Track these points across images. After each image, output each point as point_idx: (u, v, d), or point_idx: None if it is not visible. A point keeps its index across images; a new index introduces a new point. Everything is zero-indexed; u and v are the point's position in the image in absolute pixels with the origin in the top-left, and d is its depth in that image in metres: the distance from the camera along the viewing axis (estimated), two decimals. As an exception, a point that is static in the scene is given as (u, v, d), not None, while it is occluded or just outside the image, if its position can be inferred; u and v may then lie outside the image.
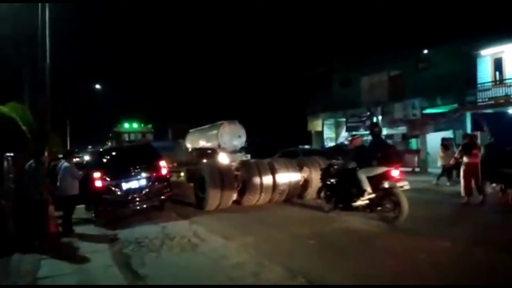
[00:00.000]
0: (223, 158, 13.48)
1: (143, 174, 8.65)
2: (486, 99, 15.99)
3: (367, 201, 6.99)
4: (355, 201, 7.15)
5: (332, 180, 8.04)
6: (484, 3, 18.12)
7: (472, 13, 17.90)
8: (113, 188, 8.26)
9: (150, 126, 23.23)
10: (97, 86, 29.26)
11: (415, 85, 16.98)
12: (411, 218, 6.50)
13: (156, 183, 8.70)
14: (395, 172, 6.83)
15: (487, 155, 8.55)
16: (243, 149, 19.49)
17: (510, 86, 15.58)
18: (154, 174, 8.76)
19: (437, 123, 16.80)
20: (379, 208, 6.89)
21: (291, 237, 6.29)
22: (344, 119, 21.80)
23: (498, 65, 16.48)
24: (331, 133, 24.10)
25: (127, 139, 21.76)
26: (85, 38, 47.59)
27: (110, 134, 23.37)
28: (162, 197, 8.82)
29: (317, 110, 23.70)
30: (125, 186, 8.34)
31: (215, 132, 22.23)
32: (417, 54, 17.41)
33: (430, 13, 19.09)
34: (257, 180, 9.14)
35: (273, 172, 9.44)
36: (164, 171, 9.01)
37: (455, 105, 16.47)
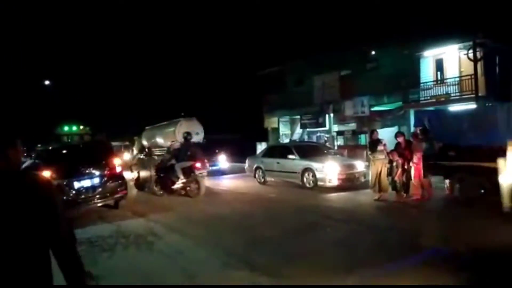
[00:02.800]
0: (126, 156, 16.09)
1: (96, 173, 8.45)
2: (428, 97, 17.15)
3: (181, 185, 10.40)
4: (174, 186, 10.46)
5: (161, 172, 11.15)
6: (427, 9, 19.39)
7: (416, 17, 19.10)
8: (64, 188, 8.01)
9: (88, 128, 25.09)
10: (46, 82, 28.18)
11: (364, 84, 17.84)
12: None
13: (110, 182, 8.53)
14: (198, 164, 10.35)
15: (428, 149, 9.18)
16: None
17: (450, 85, 16.84)
18: (108, 172, 8.59)
19: (384, 119, 17.79)
20: (188, 188, 10.42)
21: (249, 231, 6.54)
22: (298, 116, 22.41)
23: (439, 65, 17.71)
24: (286, 129, 24.69)
25: (66, 140, 22.94)
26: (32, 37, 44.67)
27: (51, 137, 24.06)
28: (117, 195, 8.69)
29: (273, 108, 24.16)
30: (76, 185, 8.10)
31: (172, 129, 22.04)
32: (366, 55, 18.28)
33: (378, 16, 20.09)
34: (147, 172, 12.20)
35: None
36: (118, 169, 8.87)
37: (400, 103, 17.51)
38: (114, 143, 15.98)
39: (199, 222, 7.58)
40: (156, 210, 8.90)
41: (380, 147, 9.19)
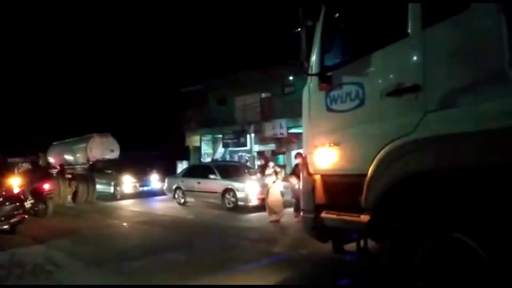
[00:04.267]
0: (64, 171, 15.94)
1: (-11, 194, 7.55)
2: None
3: (29, 205, 10.54)
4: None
5: None
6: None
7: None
8: None
9: None
10: None
11: (283, 107, 18.68)
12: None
13: (6, 204, 7.68)
14: (46, 186, 11.05)
15: None
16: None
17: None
18: (4, 193, 7.76)
19: (300, 141, 18.73)
20: (36, 208, 10.82)
21: (159, 256, 6.31)
22: (220, 136, 22.54)
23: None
24: (208, 148, 24.61)
25: None
26: None
27: None
28: (13, 219, 7.80)
29: (195, 126, 23.98)
30: (-36, 208, 7.14)
31: (83, 145, 20.69)
32: (284, 80, 19.21)
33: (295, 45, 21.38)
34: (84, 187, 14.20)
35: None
36: (16, 190, 8.02)
37: (315, 126, 18.64)
38: (13, 160, 14.48)
39: (107, 248, 7.11)
40: (59, 235, 8.16)
41: (268, 171, 9.38)
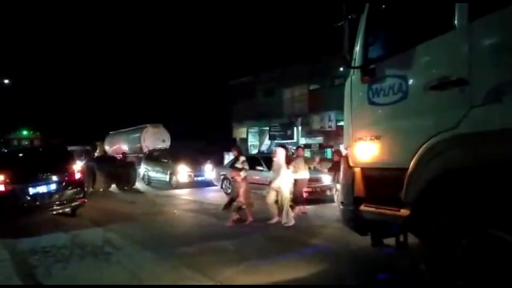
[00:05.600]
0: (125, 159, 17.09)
1: (54, 178, 8.10)
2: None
3: None
4: None
5: None
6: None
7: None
8: (18, 193, 7.59)
9: (38, 133, 25.58)
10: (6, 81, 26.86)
11: (332, 99, 18.24)
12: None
13: (69, 188, 8.22)
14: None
15: None
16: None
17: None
18: (66, 179, 8.28)
19: (349, 135, 18.22)
20: None
21: (208, 242, 6.39)
22: (267, 128, 22.56)
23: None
24: (255, 140, 24.79)
25: (16, 144, 23.53)
26: None
27: (1, 140, 23.86)
28: (75, 203, 8.35)
29: (242, 118, 24.21)
30: (32, 190, 7.71)
31: (137, 135, 21.73)
32: (334, 71, 18.75)
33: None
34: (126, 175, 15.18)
35: None
36: (77, 176, 8.54)
37: (365, 119, 18.01)
38: (73, 148, 15.50)
39: (160, 233, 7.38)
40: (116, 219, 8.61)
41: (237, 164, 8.50)
